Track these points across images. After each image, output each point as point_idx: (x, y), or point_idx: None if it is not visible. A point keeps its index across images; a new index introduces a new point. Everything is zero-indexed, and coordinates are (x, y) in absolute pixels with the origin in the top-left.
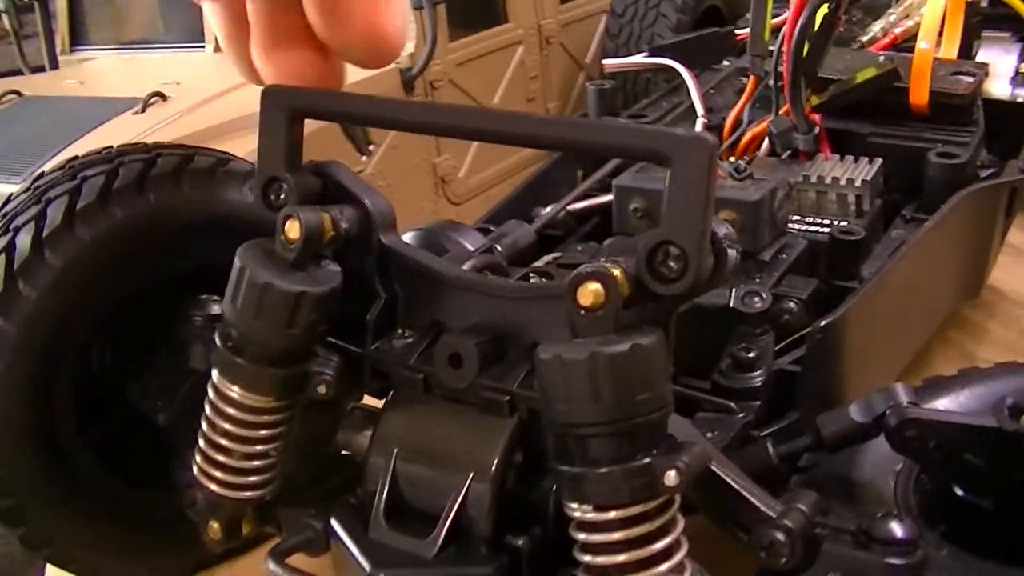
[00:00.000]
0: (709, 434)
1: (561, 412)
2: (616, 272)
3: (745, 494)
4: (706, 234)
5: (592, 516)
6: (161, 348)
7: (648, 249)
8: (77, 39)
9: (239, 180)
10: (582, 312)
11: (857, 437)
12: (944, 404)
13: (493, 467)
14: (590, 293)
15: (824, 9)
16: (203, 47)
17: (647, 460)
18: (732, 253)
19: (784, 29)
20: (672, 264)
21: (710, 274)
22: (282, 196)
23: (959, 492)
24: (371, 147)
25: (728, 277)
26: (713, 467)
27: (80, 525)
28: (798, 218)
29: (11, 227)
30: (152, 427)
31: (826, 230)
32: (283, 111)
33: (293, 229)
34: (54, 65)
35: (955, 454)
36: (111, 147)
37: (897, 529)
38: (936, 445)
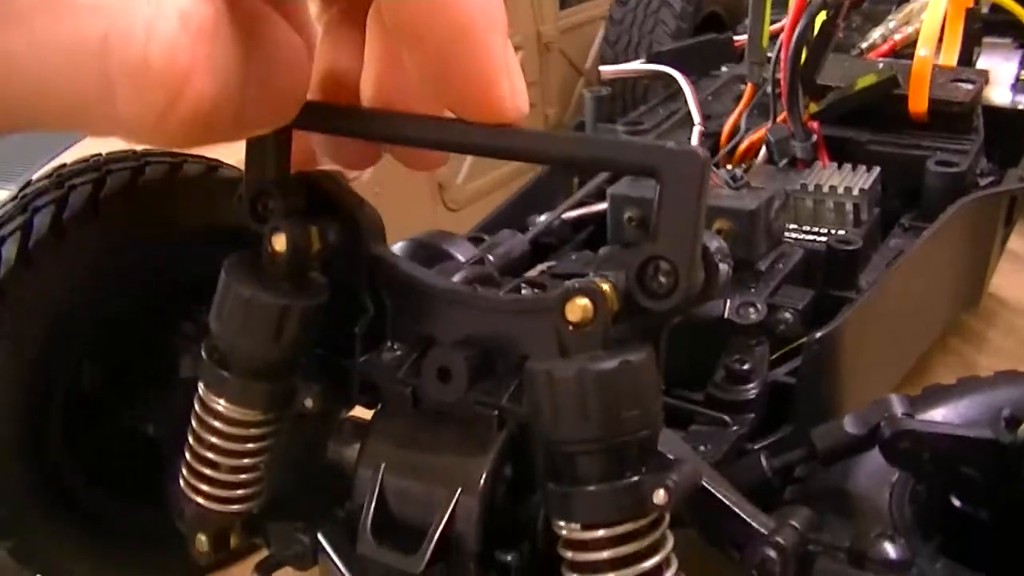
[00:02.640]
0: (702, 447)
1: (549, 429)
2: (605, 287)
3: (736, 510)
4: (697, 249)
5: (580, 534)
6: (151, 358)
7: (638, 264)
8: None
9: (231, 187)
10: (570, 328)
11: (851, 449)
12: (942, 414)
13: (481, 482)
14: (579, 308)
15: (823, 16)
16: None
17: (636, 478)
18: (724, 268)
19: (782, 36)
20: (662, 279)
21: (701, 289)
22: (270, 208)
23: (956, 504)
24: None
25: (720, 292)
26: (704, 483)
27: (70, 538)
28: (795, 227)
29: None
30: (142, 438)
31: (823, 240)
32: None
33: (279, 242)
34: None
35: (950, 466)
36: (99, 155)
37: (891, 550)
38: (930, 457)
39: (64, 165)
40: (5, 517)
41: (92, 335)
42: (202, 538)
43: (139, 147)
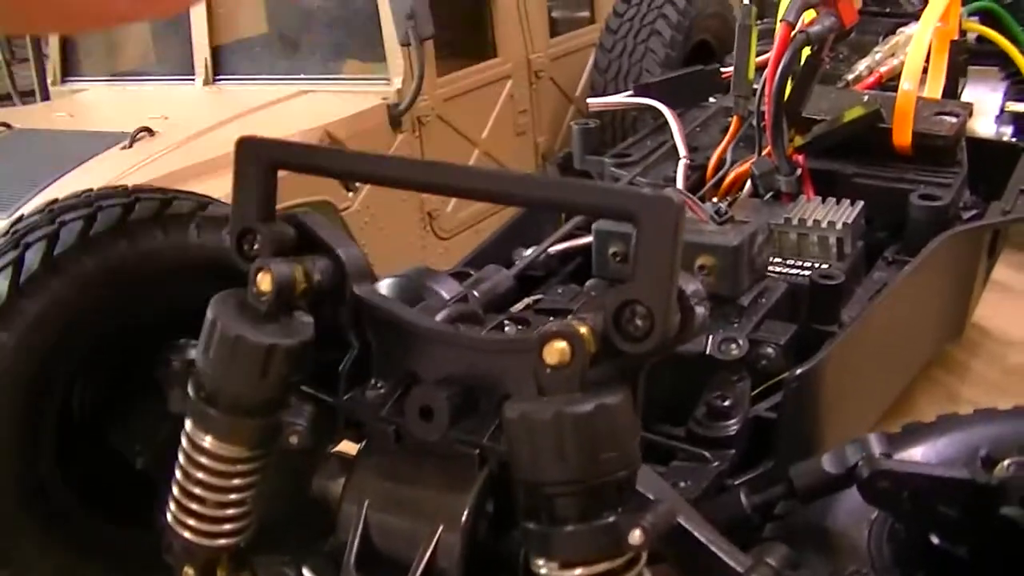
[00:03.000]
0: (682, 483)
1: (527, 469)
2: (583, 330)
3: (713, 548)
4: (672, 293)
5: (558, 573)
6: (140, 390)
7: (615, 307)
8: (69, 69)
9: (219, 224)
10: (548, 370)
11: (830, 488)
12: (922, 452)
13: (464, 518)
14: (556, 352)
15: (808, 50)
16: (193, 79)
17: (612, 519)
18: (700, 311)
19: (766, 71)
20: (639, 323)
21: (677, 332)
22: (256, 247)
23: (935, 541)
24: (357, 184)
25: (696, 335)
26: (681, 521)
27: (65, 565)
28: (779, 260)
29: None
30: (132, 470)
31: (806, 273)
32: (258, 162)
33: (265, 281)
34: (45, 95)
35: (928, 505)
36: (90, 191)
37: None
38: (908, 497)
39: (56, 200)
40: (1, 547)
41: (84, 366)
42: (189, 572)
43: (137, 176)
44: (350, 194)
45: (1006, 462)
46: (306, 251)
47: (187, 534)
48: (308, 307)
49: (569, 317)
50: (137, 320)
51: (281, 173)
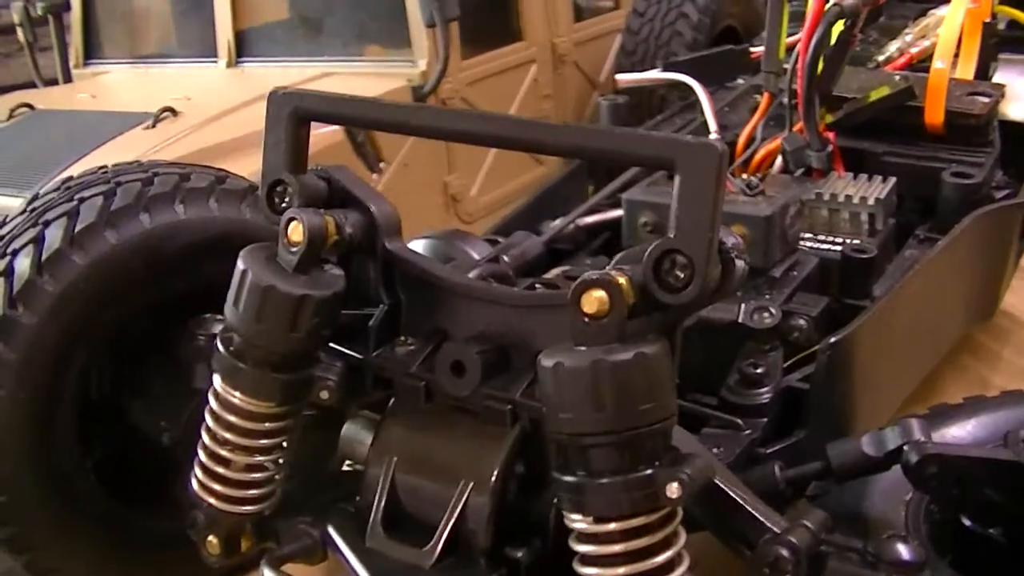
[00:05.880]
0: (715, 450)
1: (562, 421)
2: (622, 280)
3: (749, 509)
4: (714, 242)
5: (592, 527)
6: (163, 368)
7: (655, 257)
8: (91, 52)
9: (237, 198)
10: (586, 320)
11: (868, 470)
12: (952, 434)
13: (493, 478)
14: (595, 300)
15: (840, 25)
16: (215, 61)
17: (649, 471)
18: (740, 264)
19: (798, 46)
20: (679, 273)
21: (717, 284)
22: (286, 199)
23: (967, 523)
24: (382, 164)
25: (736, 288)
26: (717, 481)
27: (85, 550)
28: (810, 236)
29: (8, 250)
30: (153, 449)
31: (838, 248)
32: (287, 113)
33: (296, 232)
34: (67, 78)
35: (975, 489)
36: (106, 167)
37: (904, 551)
38: (957, 480)
39: (72, 177)
40: (21, 532)
41: (104, 346)
42: (213, 540)
43: (161, 155)
44: (374, 175)
45: None
46: (337, 205)
47: (212, 500)
48: (339, 261)
49: (607, 268)
50: (158, 297)
51: None
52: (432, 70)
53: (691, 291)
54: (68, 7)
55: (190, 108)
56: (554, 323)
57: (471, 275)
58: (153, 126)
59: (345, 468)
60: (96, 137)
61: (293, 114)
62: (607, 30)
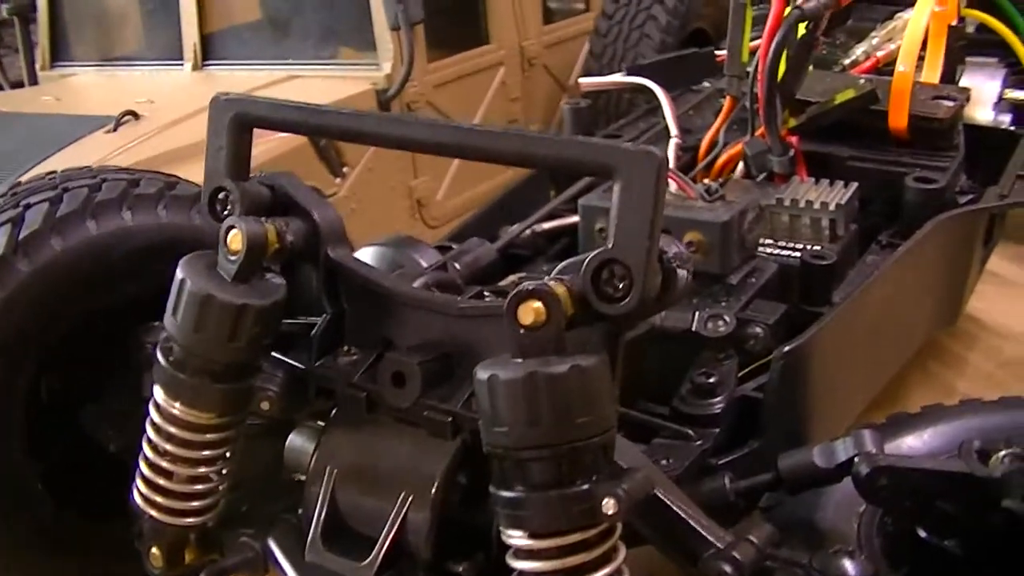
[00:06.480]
0: (664, 461)
1: (498, 434)
2: (560, 290)
3: (693, 523)
4: (653, 252)
5: (529, 543)
6: (113, 375)
7: (593, 267)
8: (58, 55)
9: (187, 204)
10: (523, 331)
11: (819, 481)
12: (908, 443)
13: (434, 490)
14: (531, 311)
15: (802, 28)
16: (181, 64)
17: (586, 486)
18: (683, 273)
19: (760, 47)
20: (618, 283)
21: (658, 294)
22: (228, 207)
23: (922, 535)
24: (345, 169)
25: (679, 298)
26: (659, 494)
27: (37, 561)
28: (771, 242)
29: None
30: (104, 457)
31: (797, 254)
32: (229, 119)
33: (236, 240)
34: (33, 81)
35: (927, 501)
36: (55, 173)
37: (850, 567)
38: (908, 492)
39: (19, 183)
40: None
41: (53, 352)
42: (156, 552)
43: (122, 160)
44: (337, 180)
45: (1000, 454)
46: (281, 212)
47: (154, 512)
48: (281, 269)
49: (546, 279)
50: (106, 303)
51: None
52: (397, 73)
53: (630, 301)
54: (34, 8)
55: (152, 111)
56: (498, 333)
57: (417, 283)
58: (114, 130)
59: (294, 478)
60: (56, 141)
61: (235, 120)
62: (577, 32)
